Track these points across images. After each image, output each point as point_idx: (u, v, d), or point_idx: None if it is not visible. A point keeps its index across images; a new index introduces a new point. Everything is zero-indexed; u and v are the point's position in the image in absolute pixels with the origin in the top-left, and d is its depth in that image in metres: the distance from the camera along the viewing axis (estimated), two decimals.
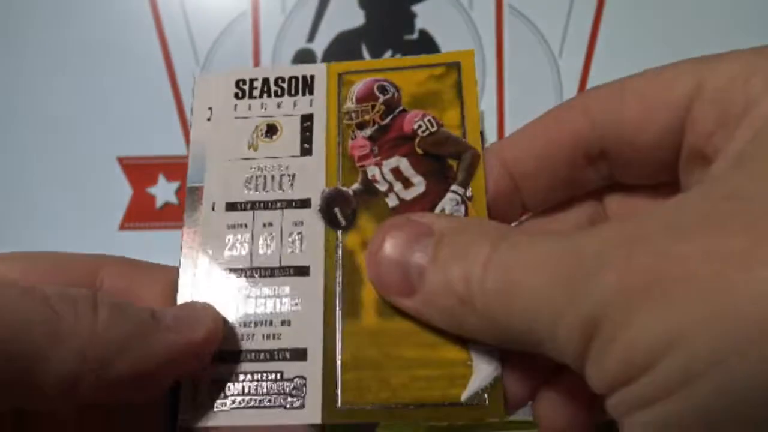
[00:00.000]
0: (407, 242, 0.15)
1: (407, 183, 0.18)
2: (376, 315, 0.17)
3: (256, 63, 0.65)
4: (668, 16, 0.62)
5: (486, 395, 0.16)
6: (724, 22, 0.62)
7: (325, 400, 0.16)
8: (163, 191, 0.68)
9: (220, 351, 0.17)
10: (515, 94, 0.64)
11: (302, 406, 0.16)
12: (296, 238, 0.18)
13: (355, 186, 0.18)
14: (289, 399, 0.16)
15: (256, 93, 0.20)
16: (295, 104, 0.20)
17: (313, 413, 0.16)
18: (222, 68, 0.64)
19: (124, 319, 0.14)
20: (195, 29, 0.64)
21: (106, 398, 0.14)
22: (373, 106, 0.19)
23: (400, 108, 0.19)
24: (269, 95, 0.20)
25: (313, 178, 0.19)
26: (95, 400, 0.14)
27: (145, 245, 0.58)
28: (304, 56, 0.65)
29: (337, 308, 0.17)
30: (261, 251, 0.18)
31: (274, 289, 0.17)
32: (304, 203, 0.19)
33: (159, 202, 0.68)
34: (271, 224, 0.18)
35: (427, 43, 0.65)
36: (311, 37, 0.65)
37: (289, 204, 0.18)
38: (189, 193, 0.19)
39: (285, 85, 0.20)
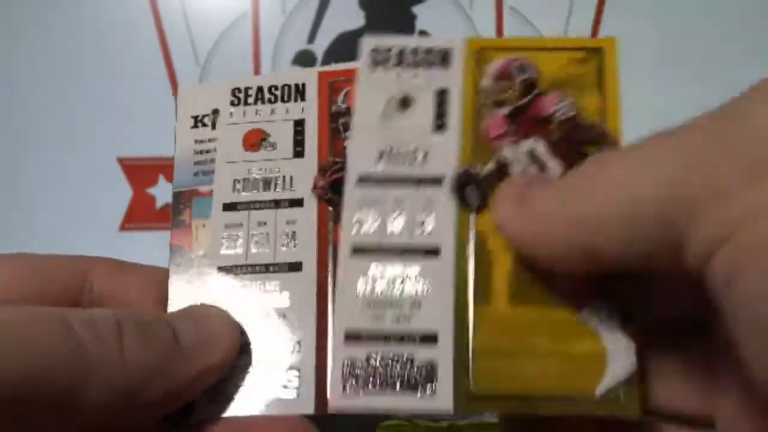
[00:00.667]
0: (527, 182, 0.15)
1: (543, 167, 0.18)
2: (508, 302, 0.17)
3: (257, 64, 0.64)
4: (668, 16, 0.62)
5: (621, 391, 0.16)
6: (724, 22, 0.62)
7: (457, 388, 0.16)
8: (163, 192, 0.68)
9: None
10: None
11: (433, 392, 0.16)
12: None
13: (489, 166, 0.18)
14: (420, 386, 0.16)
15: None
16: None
17: (445, 400, 0.16)
18: (222, 69, 0.64)
19: (150, 344, 0.14)
20: (195, 30, 0.64)
21: (128, 422, 0.14)
22: (511, 85, 0.18)
23: (539, 90, 0.19)
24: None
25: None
26: (118, 424, 0.14)
27: (145, 246, 0.58)
28: (304, 57, 0.65)
29: (472, 293, 0.17)
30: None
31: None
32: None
33: (159, 203, 0.68)
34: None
35: None
36: (311, 38, 0.65)
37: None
38: (174, 197, 0.20)
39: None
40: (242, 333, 0.17)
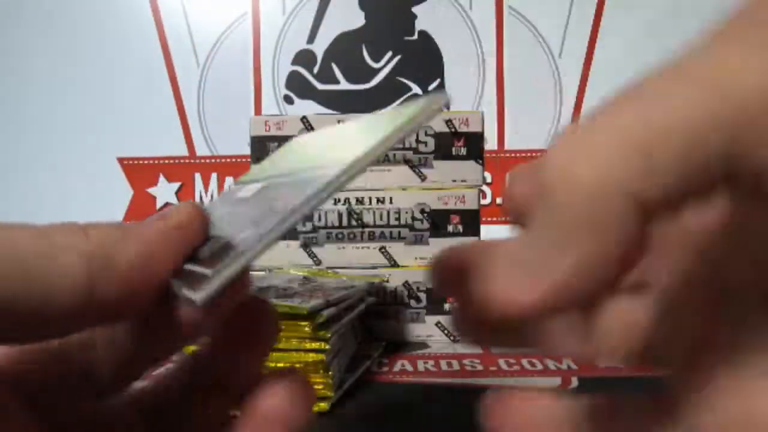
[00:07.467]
0: None
1: None
2: None
3: (257, 64, 0.65)
4: (668, 16, 0.62)
5: None
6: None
7: None
8: (164, 192, 0.68)
9: None
10: (515, 94, 0.64)
11: None
12: None
13: None
14: None
15: None
16: None
17: None
18: (222, 69, 0.64)
19: (108, 225, 0.14)
20: (195, 30, 0.64)
21: (117, 299, 0.13)
22: None
23: None
24: None
25: None
26: (109, 305, 0.13)
27: None
28: (304, 57, 0.66)
29: None
30: None
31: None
32: None
33: (159, 203, 0.68)
34: None
35: (426, 44, 0.65)
36: (312, 38, 0.65)
37: None
38: None
39: None
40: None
